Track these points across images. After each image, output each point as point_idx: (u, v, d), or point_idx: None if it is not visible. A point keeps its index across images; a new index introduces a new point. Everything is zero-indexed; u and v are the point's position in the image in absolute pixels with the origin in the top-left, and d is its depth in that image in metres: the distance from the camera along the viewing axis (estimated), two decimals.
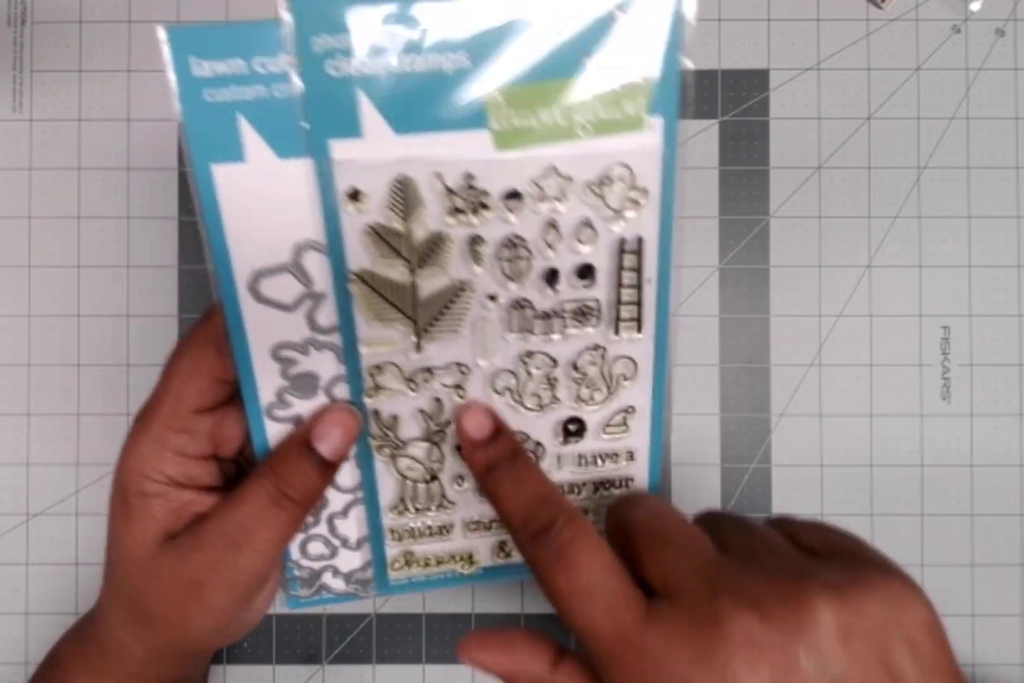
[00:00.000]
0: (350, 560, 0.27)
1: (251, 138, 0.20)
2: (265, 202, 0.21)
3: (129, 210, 0.35)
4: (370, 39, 0.19)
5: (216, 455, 0.25)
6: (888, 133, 0.35)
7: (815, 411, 0.35)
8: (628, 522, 0.22)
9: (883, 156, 0.35)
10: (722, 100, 0.35)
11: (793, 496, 0.35)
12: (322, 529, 0.26)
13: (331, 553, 0.26)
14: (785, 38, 0.35)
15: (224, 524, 0.23)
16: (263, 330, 0.22)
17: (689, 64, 0.21)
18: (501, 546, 0.27)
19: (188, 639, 0.24)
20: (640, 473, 0.26)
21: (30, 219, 0.35)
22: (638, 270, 0.23)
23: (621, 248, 0.23)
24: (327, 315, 0.23)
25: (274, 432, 0.24)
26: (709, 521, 0.23)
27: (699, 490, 0.35)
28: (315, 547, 0.26)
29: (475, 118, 0.20)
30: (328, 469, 0.23)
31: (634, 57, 0.21)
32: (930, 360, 0.35)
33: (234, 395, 0.24)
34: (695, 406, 0.35)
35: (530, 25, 0.20)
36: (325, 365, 0.23)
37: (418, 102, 0.20)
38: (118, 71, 0.35)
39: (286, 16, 0.19)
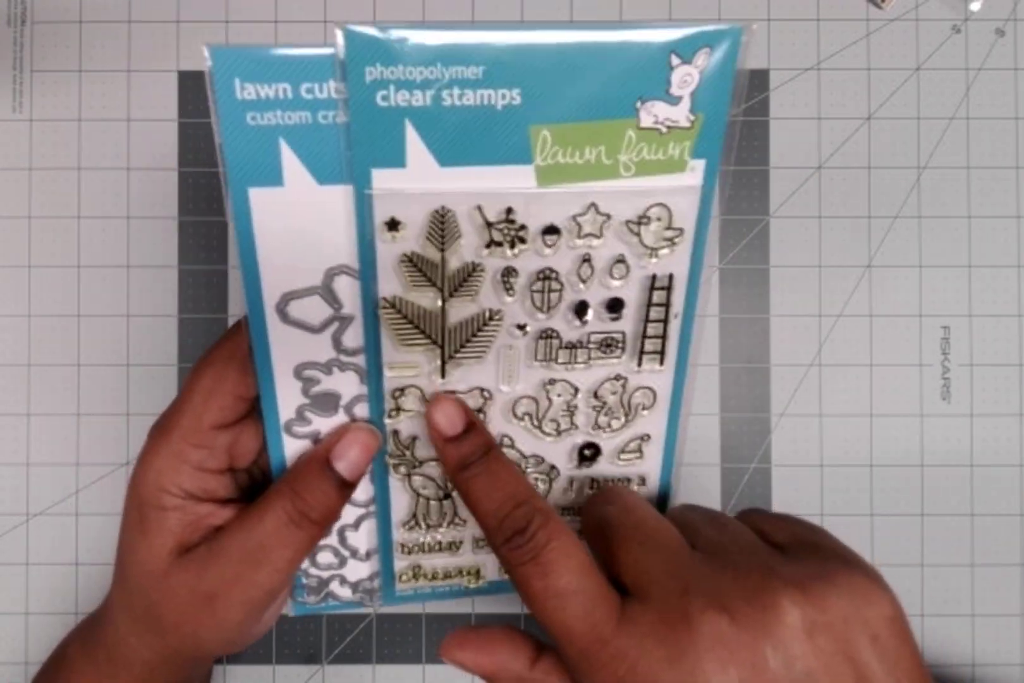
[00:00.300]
0: (358, 570, 0.27)
1: (292, 163, 0.20)
2: (300, 226, 0.21)
3: (129, 210, 0.35)
4: (423, 73, 0.19)
5: (231, 468, 0.25)
6: (888, 133, 0.35)
7: (815, 411, 0.35)
8: (601, 518, 0.22)
9: (883, 156, 0.35)
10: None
11: (793, 496, 0.35)
12: (332, 540, 0.26)
13: (340, 563, 0.26)
14: (785, 38, 0.35)
15: (243, 541, 0.23)
16: (288, 350, 0.23)
17: (737, 112, 0.21)
18: None
19: (198, 648, 0.24)
20: (651, 493, 0.27)
21: (30, 219, 0.35)
22: (666, 305, 0.23)
23: (652, 284, 0.23)
24: (353, 337, 0.23)
25: (292, 448, 0.24)
26: (681, 515, 0.23)
27: (699, 490, 0.35)
28: (324, 557, 0.26)
29: (520, 154, 0.21)
30: (347, 488, 0.23)
31: (686, 103, 0.21)
32: (930, 360, 0.35)
33: (252, 410, 0.24)
34: (695, 406, 0.35)
35: (587, 65, 0.20)
36: (347, 385, 0.23)
37: (465, 136, 0.20)
38: (118, 71, 0.35)
39: (340, 44, 0.19)
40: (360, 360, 0.23)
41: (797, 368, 0.35)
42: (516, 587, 0.22)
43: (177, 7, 0.35)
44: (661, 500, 0.27)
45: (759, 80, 0.35)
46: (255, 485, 0.26)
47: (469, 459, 0.23)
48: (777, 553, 0.21)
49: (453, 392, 0.24)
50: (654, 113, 0.21)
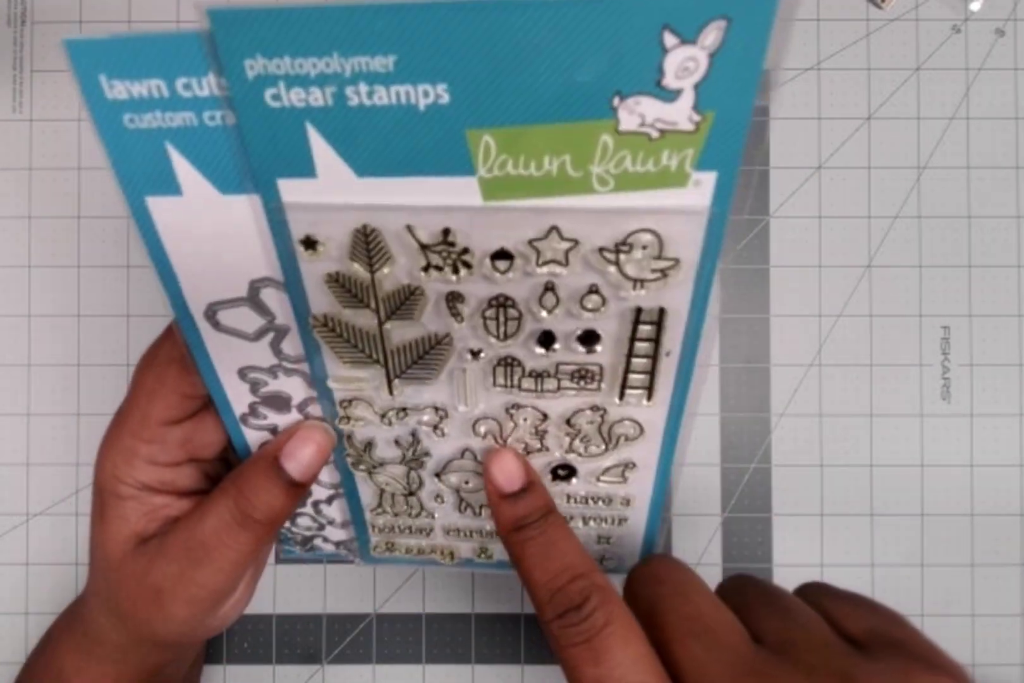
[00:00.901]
0: (338, 534, 0.27)
1: (185, 170, 0.17)
2: (211, 238, 0.18)
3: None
4: (316, 65, 0.15)
5: (195, 459, 0.24)
6: (888, 133, 0.35)
7: (815, 411, 0.35)
8: (651, 603, 0.20)
9: (883, 156, 0.35)
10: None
11: (793, 496, 0.35)
12: (308, 510, 0.26)
13: (319, 527, 0.27)
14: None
15: (186, 538, 0.22)
16: (227, 355, 0.21)
17: (765, 104, 0.17)
18: (483, 550, 0.26)
19: (155, 637, 0.24)
20: (637, 516, 0.25)
21: (30, 219, 0.35)
22: (656, 341, 0.19)
23: (636, 317, 0.19)
24: (292, 346, 0.21)
25: (252, 437, 0.23)
26: (736, 593, 0.21)
27: (699, 490, 0.35)
28: (304, 521, 0.26)
29: (457, 163, 0.16)
30: (297, 489, 0.22)
31: (687, 98, 0.15)
32: (930, 360, 0.35)
33: (208, 404, 0.23)
34: (695, 406, 0.35)
35: (538, 49, 0.14)
36: (295, 388, 0.22)
37: (384, 142, 0.16)
38: None
39: (207, 30, 0.15)
40: (304, 367, 0.21)
41: (797, 368, 0.35)
42: (563, 668, 0.20)
43: (177, 7, 0.35)
44: (651, 523, 0.25)
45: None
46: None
47: (525, 521, 0.21)
48: (854, 652, 0.19)
49: (405, 409, 0.22)
50: (639, 112, 0.15)
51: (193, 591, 0.22)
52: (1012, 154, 0.35)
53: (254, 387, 0.22)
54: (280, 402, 0.22)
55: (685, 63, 0.14)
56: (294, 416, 0.23)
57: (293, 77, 0.15)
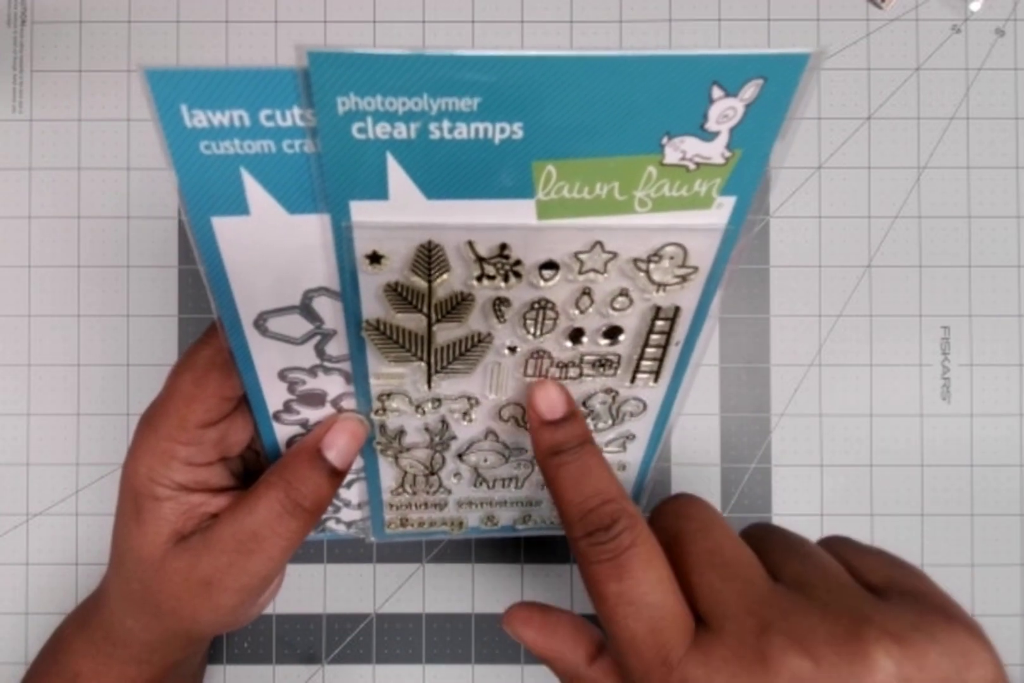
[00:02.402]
0: (352, 515, 0.28)
1: (257, 193, 0.18)
2: (272, 254, 0.20)
3: (129, 210, 0.35)
4: (406, 104, 0.16)
5: (224, 457, 0.25)
6: (888, 133, 0.35)
7: (815, 411, 0.35)
8: (677, 535, 0.21)
9: (883, 156, 0.35)
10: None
11: (793, 496, 0.35)
12: (328, 507, 0.27)
13: (335, 510, 0.28)
14: (785, 38, 0.35)
15: (236, 530, 0.23)
16: (270, 358, 0.22)
17: (782, 145, 0.19)
18: (489, 518, 0.28)
19: (195, 629, 0.25)
20: (629, 478, 0.27)
21: (30, 219, 0.35)
22: (668, 333, 0.22)
23: (655, 315, 0.22)
24: (336, 347, 0.22)
25: (283, 433, 0.24)
26: (758, 538, 0.22)
27: (699, 490, 0.35)
28: None
29: (520, 188, 0.18)
30: (337, 477, 0.23)
31: (723, 139, 0.18)
32: (930, 360, 0.35)
33: (239, 404, 0.24)
34: (695, 406, 0.35)
35: (604, 96, 0.17)
36: (333, 385, 0.23)
37: (457, 171, 0.18)
38: (118, 71, 0.35)
39: (303, 69, 0.16)
40: (344, 365, 0.23)
41: (797, 368, 0.35)
42: (587, 584, 0.21)
43: (177, 7, 0.35)
44: (637, 484, 0.28)
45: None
46: (248, 471, 0.27)
47: (563, 447, 0.22)
48: (871, 597, 0.19)
49: (439, 399, 0.24)
50: (682, 149, 0.18)
51: (244, 580, 0.23)
52: (1012, 154, 0.35)
53: (292, 386, 0.23)
54: (316, 398, 0.23)
55: (726, 111, 0.17)
56: (327, 410, 0.24)
57: (382, 113, 0.17)
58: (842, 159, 0.35)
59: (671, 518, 0.22)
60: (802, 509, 0.35)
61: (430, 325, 0.21)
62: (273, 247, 0.19)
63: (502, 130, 0.17)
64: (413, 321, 0.21)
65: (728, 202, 0.19)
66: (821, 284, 0.35)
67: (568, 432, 0.23)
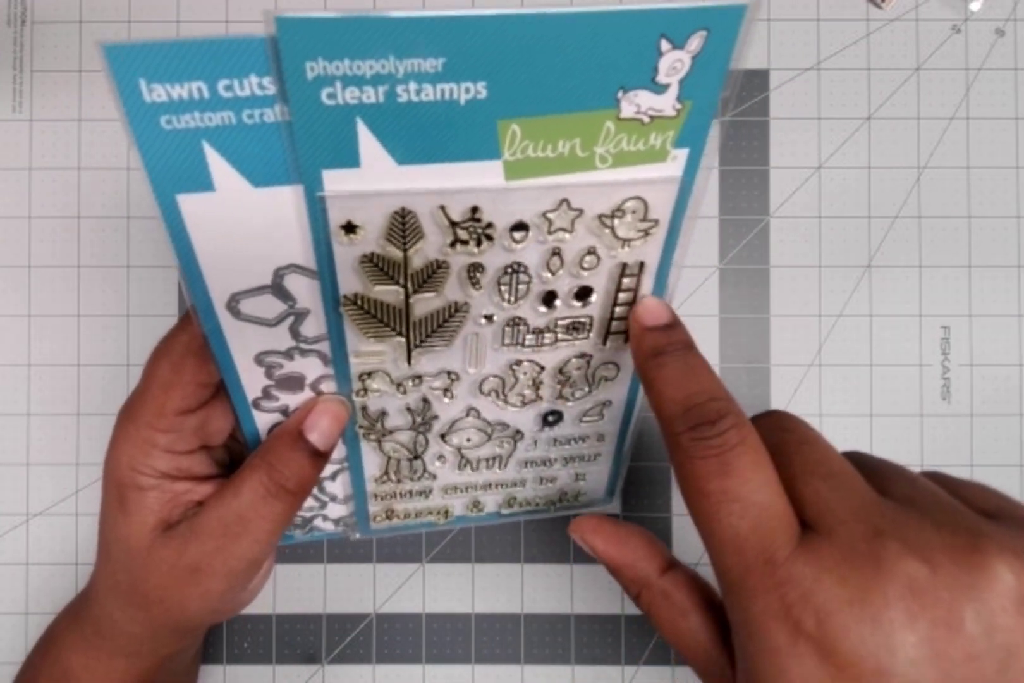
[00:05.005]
0: (338, 510, 0.28)
1: (220, 167, 0.18)
2: (240, 229, 0.19)
3: (129, 210, 0.35)
4: (373, 67, 0.17)
5: (206, 446, 0.25)
6: (888, 133, 0.35)
7: (815, 411, 0.35)
8: (778, 446, 0.20)
9: (883, 156, 0.35)
10: (722, 100, 0.35)
11: None
12: (312, 489, 0.27)
13: (321, 506, 0.28)
14: (785, 38, 0.35)
15: (222, 515, 0.23)
16: (245, 342, 0.22)
17: (729, 95, 0.19)
18: (475, 504, 0.28)
19: (184, 619, 0.25)
20: (608, 448, 0.28)
21: (30, 219, 0.35)
22: (633, 291, 0.23)
23: (622, 272, 0.22)
24: (311, 327, 0.22)
25: (263, 421, 0.24)
26: (860, 462, 0.21)
27: None
28: (307, 501, 0.27)
29: (486, 149, 0.19)
30: (320, 458, 0.24)
31: (673, 91, 0.18)
32: (930, 360, 0.35)
33: (218, 391, 0.24)
34: None
35: (562, 54, 0.17)
36: (311, 368, 0.23)
37: (425, 133, 0.18)
38: None
39: (272, 35, 0.16)
40: (321, 347, 0.23)
41: (797, 368, 0.35)
42: (685, 481, 0.20)
43: (177, 7, 0.35)
44: (617, 453, 0.28)
45: (759, 80, 0.35)
46: (234, 461, 0.27)
47: (667, 348, 0.21)
48: (984, 518, 0.18)
49: (419, 376, 0.24)
50: (636, 103, 0.18)
51: (232, 564, 0.23)
52: (1012, 154, 0.35)
53: (269, 371, 0.23)
54: (294, 382, 0.23)
55: (674, 63, 0.18)
56: (307, 394, 0.24)
57: (350, 77, 0.17)
58: (842, 159, 0.35)
59: (769, 431, 0.21)
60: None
61: (407, 297, 0.21)
62: (240, 223, 0.19)
63: (467, 90, 0.17)
64: (391, 294, 0.21)
65: (682, 154, 0.20)
66: (821, 284, 0.35)
67: (673, 335, 0.22)
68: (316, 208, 0.19)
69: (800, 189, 0.35)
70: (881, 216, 0.35)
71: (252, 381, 0.23)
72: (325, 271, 0.20)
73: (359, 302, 0.21)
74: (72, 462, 0.35)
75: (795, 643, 0.17)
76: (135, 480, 0.23)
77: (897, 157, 0.35)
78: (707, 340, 0.35)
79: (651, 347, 0.22)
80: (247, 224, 0.19)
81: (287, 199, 0.19)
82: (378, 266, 0.20)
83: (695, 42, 0.18)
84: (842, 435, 0.35)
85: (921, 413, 0.35)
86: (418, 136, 0.18)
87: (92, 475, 0.35)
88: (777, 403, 0.35)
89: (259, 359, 0.23)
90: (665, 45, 0.17)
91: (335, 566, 0.35)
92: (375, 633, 0.35)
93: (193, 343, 0.23)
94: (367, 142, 0.18)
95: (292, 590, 0.35)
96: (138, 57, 0.16)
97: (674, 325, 0.23)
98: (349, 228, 0.19)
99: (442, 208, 0.19)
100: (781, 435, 0.21)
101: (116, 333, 0.35)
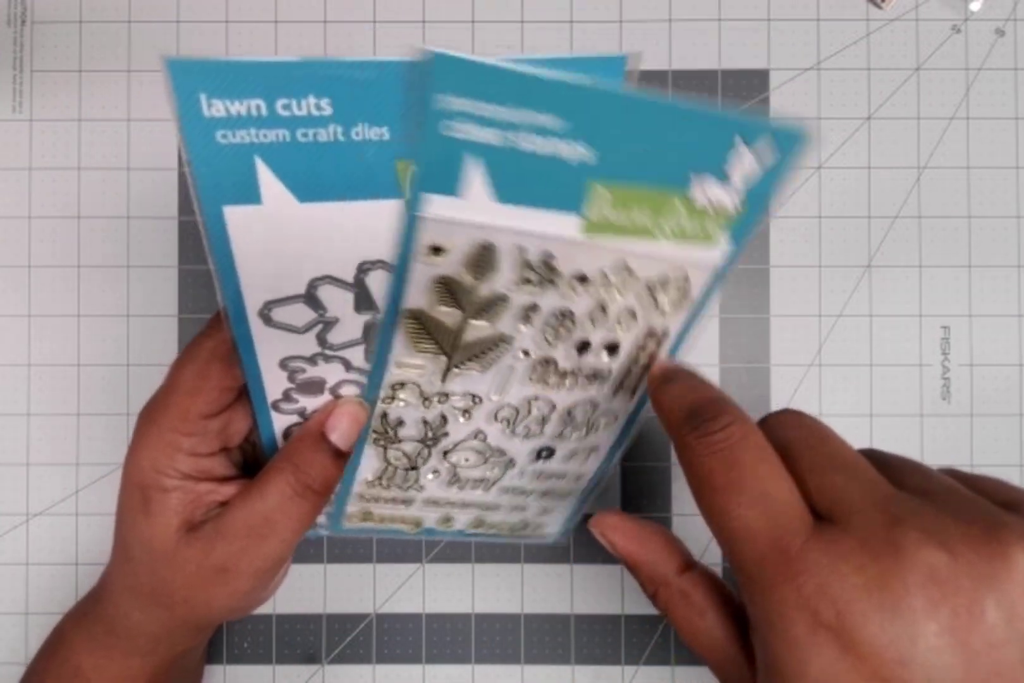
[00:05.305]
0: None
1: (269, 181, 0.19)
2: (281, 242, 0.20)
3: (129, 210, 0.35)
4: (498, 111, 0.18)
5: (224, 448, 0.25)
6: (888, 133, 0.35)
7: (815, 411, 0.35)
8: (790, 443, 0.20)
9: (883, 156, 0.35)
10: (722, 100, 0.35)
11: None
12: (335, 489, 0.27)
13: (327, 504, 0.28)
14: (785, 38, 0.35)
15: (249, 516, 0.23)
16: (272, 347, 0.23)
17: (776, 206, 0.21)
18: (446, 519, 0.29)
19: (207, 617, 0.25)
20: (578, 489, 0.29)
21: (30, 219, 0.35)
22: (652, 355, 0.25)
23: (648, 335, 0.24)
24: (338, 335, 0.23)
25: (280, 422, 0.25)
26: (875, 457, 0.21)
27: None
28: None
29: (574, 203, 0.20)
30: (342, 458, 0.24)
31: (738, 190, 0.21)
32: (930, 360, 0.35)
33: (240, 394, 0.24)
34: None
35: (655, 131, 0.19)
36: (332, 373, 0.24)
37: (530, 179, 0.19)
38: (118, 71, 0.35)
39: (420, 66, 0.17)
40: (346, 353, 0.23)
41: (797, 368, 0.35)
42: (694, 483, 0.20)
43: (177, 7, 0.35)
44: (585, 492, 0.29)
45: (759, 80, 0.35)
46: (247, 462, 0.27)
47: (674, 376, 0.23)
48: (1002, 509, 0.18)
49: (447, 394, 0.24)
50: (705, 190, 0.21)
51: (258, 564, 0.24)
52: (1012, 154, 0.35)
53: (292, 375, 0.23)
54: (315, 386, 0.24)
55: (744, 165, 0.20)
56: (325, 397, 0.24)
57: (474, 116, 0.18)
58: (842, 159, 0.35)
59: (779, 429, 0.21)
60: None
61: (465, 320, 0.22)
62: (282, 236, 0.20)
63: (575, 151, 0.19)
64: (450, 316, 0.22)
65: (727, 245, 0.22)
66: (821, 284, 0.35)
67: (680, 366, 0.24)
68: (411, 226, 0.20)
69: (800, 189, 0.35)
70: (881, 216, 0.35)
71: (274, 384, 0.24)
72: (396, 284, 0.21)
73: (420, 318, 0.22)
74: (72, 462, 0.35)
75: (814, 633, 0.17)
76: (159, 482, 0.24)
77: (897, 157, 0.35)
78: (707, 340, 0.35)
79: (662, 375, 0.23)
80: (288, 237, 0.20)
81: (331, 214, 0.20)
82: (449, 289, 0.22)
83: (763, 148, 0.20)
84: (842, 435, 0.35)
85: (921, 413, 0.35)
86: (523, 180, 0.19)
87: (92, 475, 0.35)
88: (777, 403, 0.35)
89: (283, 364, 0.23)
90: (739, 140, 0.20)
91: (335, 566, 0.35)
92: (375, 633, 0.35)
93: (220, 348, 0.23)
94: (475, 176, 0.19)
95: (292, 590, 0.35)
96: (200, 73, 0.17)
97: (682, 366, 0.24)
98: (436, 250, 0.21)
99: (521, 249, 0.21)
100: (791, 433, 0.21)
101: (116, 333, 0.35)
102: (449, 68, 0.17)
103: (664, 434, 0.34)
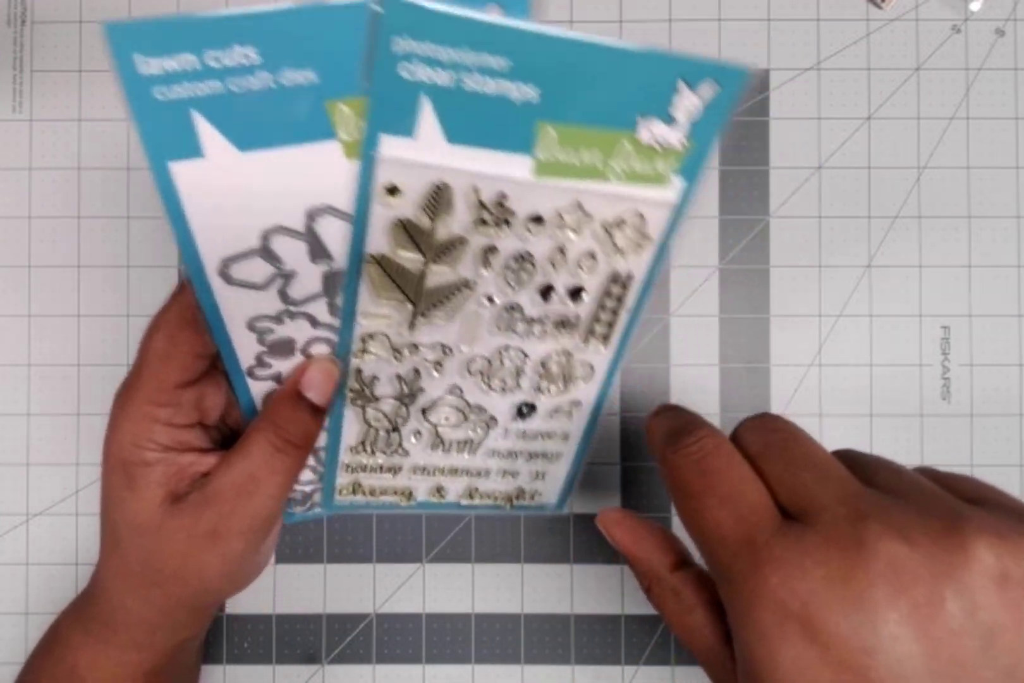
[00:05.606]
0: (306, 475, 0.29)
1: (209, 134, 0.20)
2: (229, 194, 0.21)
3: (129, 210, 0.35)
4: (450, 54, 0.19)
5: (202, 422, 0.26)
6: (888, 133, 0.35)
7: (815, 411, 0.35)
8: (765, 445, 0.21)
9: (883, 156, 0.35)
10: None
11: None
12: (310, 461, 0.28)
13: (319, 478, 0.28)
14: (785, 38, 0.35)
15: (234, 476, 0.24)
16: (237, 308, 0.23)
17: (720, 141, 0.21)
18: (438, 489, 0.29)
19: (202, 590, 0.25)
20: (570, 449, 0.29)
21: (30, 219, 0.35)
22: (620, 300, 0.25)
23: (612, 279, 0.25)
24: (298, 289, 0.23)
25: (257, 389, 0.25)
26: (847, 457, 0.22)
27: None
28: (304, 474, 0.28)
29: (524, 144, 0.21)
30: (319, 413, 0.25)
31: (682, 127, 0.22)
32: (930, 360, 0.35)
33: (213, 365, 0.25)
34: (695, 406, 0.35)
35: (602, 73, 0.20)
36: (300, 331, 0.24)
37: (479, 119, 0.20)
38: None
39: (376, 10, 0.18)
40: (309, 308, 0.24)
41: (797, 368, 0.35)
42: (673, 494, 0.21)
43: (177, 7, 0.35)
44: (578, 454, 0.29)
45: (759, 80, 0.35)
46: (226, 440, 0.27)
47: (661, 410, 0.24)
48: (967, 504, 0.19)
49: (417, 346, 0.25)
50: (652, 130, 0.22)
51: (248, 522, 0.24)
52: (1012, 154, 0.35)
53: (261, 337, 0.24)
54: (285, 347, 0.24)
55: (688, 105, 0.21)
56: (297, 359, 0.25)
57: (429, 58, 0.19)
58: (842, 159, 0.35)
59: (756, 432, 0.22)
60: None
61: (425, 264, 0.23)
62: (228, 188, 0.21)
63: (522, 91, 0.20)
64: (412, 261, 0.23)
65: (679, 184, 0.23)
66: (821, 284, 0.35)
67: (669, 403, 0.25)
68: (368, 166, 0.21)
69: (800, 189, 0.35)
70: (881, 216, 0.35)
71: (245, 348, 0.24)
72: (359, 228, 0.22)
73: (382, 263, 0.23)
74: (72, 462, 0.35)
75: (782, 625, 0.17)
76: (140, 456, 0.24)
77: (897, 157, 0.35)
78: (707, 340, 0.35)
79: (654, 412, 0.25)
80: (236, 187, 0.21)
81: (273, 162, 0.21)
82: (407, 231, 0.22)
83: (706, 90, 0.21)
84: (842, 435, 0.35)
85: (921, 413, 0.35)
86: (472, 121, 0.20)
87: (92, 475, 0.35)
88: (777, 403, 0.35)
89: (251, 325, 0.24)
90: (682, 85, 0.21)
91: (335, 566, 0.35)
92: (375, 633, 0.35)
93: (187, 313, 0.23)
94: (427, 117, 0.20)
95: (292, 590, 0.35)
96: (133, 33, 0.18)
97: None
98: (392, 190, 0.21)
99: (476, 189, 0.22)
100: (767, 435, 0.22)
101: (116, 333, 0.35)
102: (401, 13, 0.18)
103: None
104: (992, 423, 0.35)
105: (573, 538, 0.35)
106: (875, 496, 0.19)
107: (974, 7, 0.35)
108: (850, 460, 0.21)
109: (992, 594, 0.17)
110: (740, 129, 0.35)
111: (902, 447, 0.35)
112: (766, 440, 0.21)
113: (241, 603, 0.35)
